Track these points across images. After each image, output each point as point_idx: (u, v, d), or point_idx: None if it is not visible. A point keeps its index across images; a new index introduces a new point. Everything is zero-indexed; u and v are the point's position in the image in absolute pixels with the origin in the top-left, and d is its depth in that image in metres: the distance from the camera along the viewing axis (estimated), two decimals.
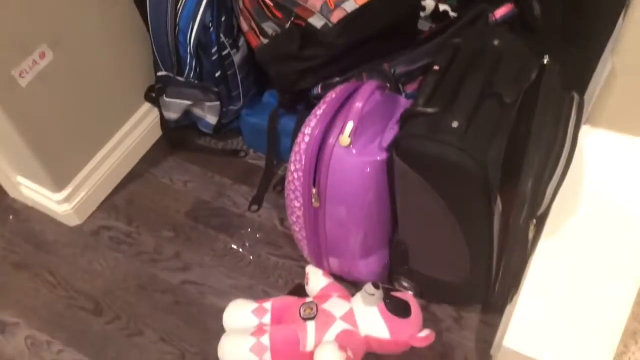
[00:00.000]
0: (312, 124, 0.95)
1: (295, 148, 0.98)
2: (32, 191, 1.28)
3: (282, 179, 1.34)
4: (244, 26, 1.25)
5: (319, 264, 1.13)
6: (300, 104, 1.28)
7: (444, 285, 1.05)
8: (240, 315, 1.07)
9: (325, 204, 0.98)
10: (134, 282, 1.21)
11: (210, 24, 1.20)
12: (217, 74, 1.28)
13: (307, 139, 0.95)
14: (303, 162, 0.95)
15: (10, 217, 1.34)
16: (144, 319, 1.16)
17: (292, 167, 0.98)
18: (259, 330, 1.01)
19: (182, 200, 1.34)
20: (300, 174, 0.97)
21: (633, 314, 0.87)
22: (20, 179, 1.28)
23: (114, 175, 1.34)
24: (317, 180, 0.97)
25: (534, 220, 0.87)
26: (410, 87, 1.12)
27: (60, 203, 1.26)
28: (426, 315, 1.09)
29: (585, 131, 0.95)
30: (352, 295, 1.06)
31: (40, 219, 1.32)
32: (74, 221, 1.30)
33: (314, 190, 0.97)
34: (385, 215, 1.02)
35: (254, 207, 1.31)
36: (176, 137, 1.43)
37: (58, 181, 1.23)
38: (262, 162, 1.37)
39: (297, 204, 1.02)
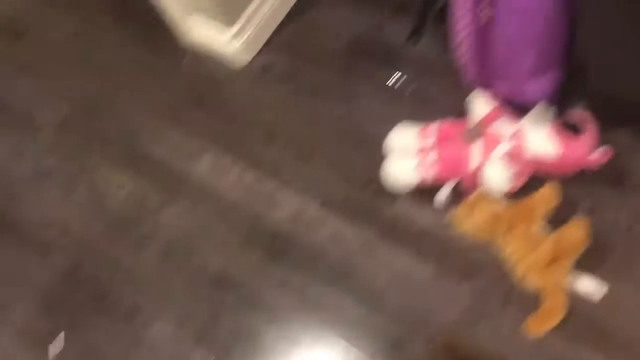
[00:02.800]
0: None
1: None
2: (204, 29, 1.37)
3: (442, 9, 1.29)
4: None
5: (484, 88, 1.11)
6: None
7: (624, 103, 0.98)
8: (405, 138, 1.09)
9: (496, 16, 0.94)
10: (300, 114, 1.29)
11: None
12: None
13: None
14: None
15: (185, 57, 1.45)
16: (313, 144, 1.24)
17: None
18: (424, 151, 1.04)
19: (340, 34, 1.35)
20: None
21: None
22: (193, 18, 1.36)
23: (276, 14, 1.39)
24: None
25: None
26: None
27: (230, 40, 1.33)
28: (601, 141, 1.04)
29: None
30: (520, 118, 1.04)
31: (211, 58, 1.42)
32: (242, 58, 1.38)
33: (484, 2, 0.93)
34: (562, 29, 0.95)
35: (413, 39, 1.29)
36: None
37: (229, 15, 1.29)
38: None
39: (465, 20, 0.98)
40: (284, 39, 1.39)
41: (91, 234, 1.27)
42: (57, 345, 1.16)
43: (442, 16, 1.27)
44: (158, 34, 1.48)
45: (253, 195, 1.22)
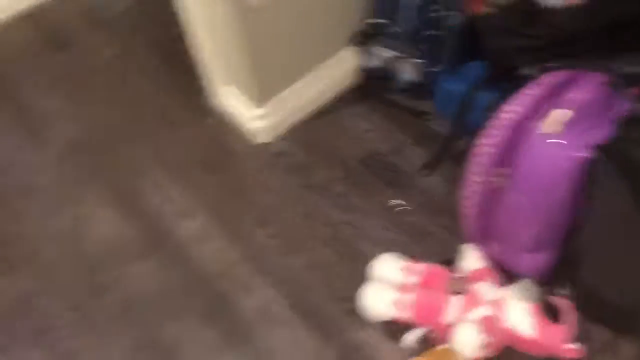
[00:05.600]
0: (519, 102, 0.92)
1: (493, 122, 0.96)
2: (234, 103, 1.40)
3: (461, 152, 1.32)
4: None
5: (479, 245, 1.11)
6: (504, 81, 1.24)
7: (609, 304, 0.98)
8: (389, 269, 1.09)
9: (507, 188, 0.96)
10: (300, 208, 1.29)
11: None
12: (428, 33, 1.27)
13: (509, 115, 0.92)
14: (498, 138, 0.93)
15: (209, 120, 1.47)
16: (301, 243, 1.23)
17: (484, 141, 0.97)
18: (404, 288, 1.03)
19: (359, 146, 1.38)
20: (492, 150, 0.95)
21: None
22: (227, 88, 1.40)
23: (306, 106, 1.42)
24: (506, 161, 0.94)
25: None
26: (635, 91, 1.03)
27: (254, 119, 1.36)
28: (578, 331, 1.03)
29: None
30: (505, 286, 1.04)
31: (233, 128, 1.44)
32: (262, 138, 1.40)
33: (500, 170, 0.95)
34: (568, 215, 0.97)
35: (426, 171, 1.32)
36: (370, 85, 1.46)
37: (262, 97, 1.33)
38: (445, 130, 1.36)
39: (477, 179, 1.00)
40: (306, 132, 1.42)
41: (58, 264, 1.25)
42: None
43: (460, 159, 1.31)
44: (192, 89, 1.51)
45: (228, 276, 1.20)
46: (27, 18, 1.76)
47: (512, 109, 0.92)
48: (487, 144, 0.96)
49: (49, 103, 1.54)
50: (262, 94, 1.32)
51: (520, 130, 0.92)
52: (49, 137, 1.47)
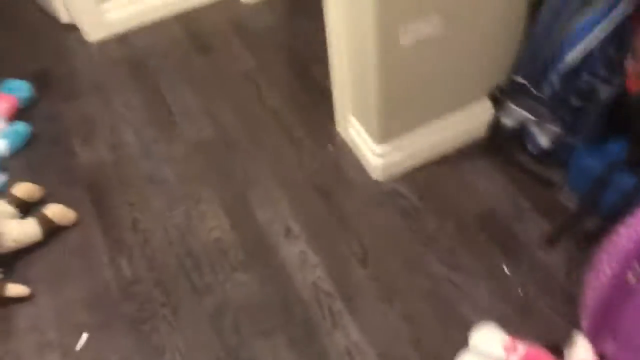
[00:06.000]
0: None
1: (637, 212, 0.88)
2: (357, 135, 1.40)
3: (588, 233, 1.24)
4: (629, 66, 1.15)
5: (592, 340, 1.03)
6: None
7: None
8: (490, 342, 1.04)
9: None
10: (403, 255, 1.26)
11: (596, 53, 1.13)
12: (573, 102, 1.21)
13: None
14: None
15: (330, 146, 1.48)
16: (398, 291, 1.20)
17: (624, 231, 0.90)
18: None
19: (476, 203, 1.33)
20: (632, 245, 0.87)
21: None
22: (353, 119, 1.40)
23: (428, 152, 1.40)
24: None
25: None
26: None
27: (375, 155, 1.35)
28: None
29: None
30: None
31: (352, 159, 1.44)
32: (377, 175, 1.39)
33: (638, 268, 0.87)
34: None
35: (547, 245, 1.24)
36: (499, 143, 1.40)
37: (384, 135, 1.32)
38: (572, 204, 1.28)
39: (608, 271, 0.93)
40: (423, 178, 1.39)
41: (166, 256, 1.30)
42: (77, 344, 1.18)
43: (586, 241, 1.22)
44: (319, 112, 1.54)
45: (320, 307, 1.19)
46: (179, 19, 1.87)
47: None
48: (626, 235, 0.89)
49: (185, 102, 1.62)
50: (385, 132, 1.31)
51: None
52: (181, 135, 1.54)
